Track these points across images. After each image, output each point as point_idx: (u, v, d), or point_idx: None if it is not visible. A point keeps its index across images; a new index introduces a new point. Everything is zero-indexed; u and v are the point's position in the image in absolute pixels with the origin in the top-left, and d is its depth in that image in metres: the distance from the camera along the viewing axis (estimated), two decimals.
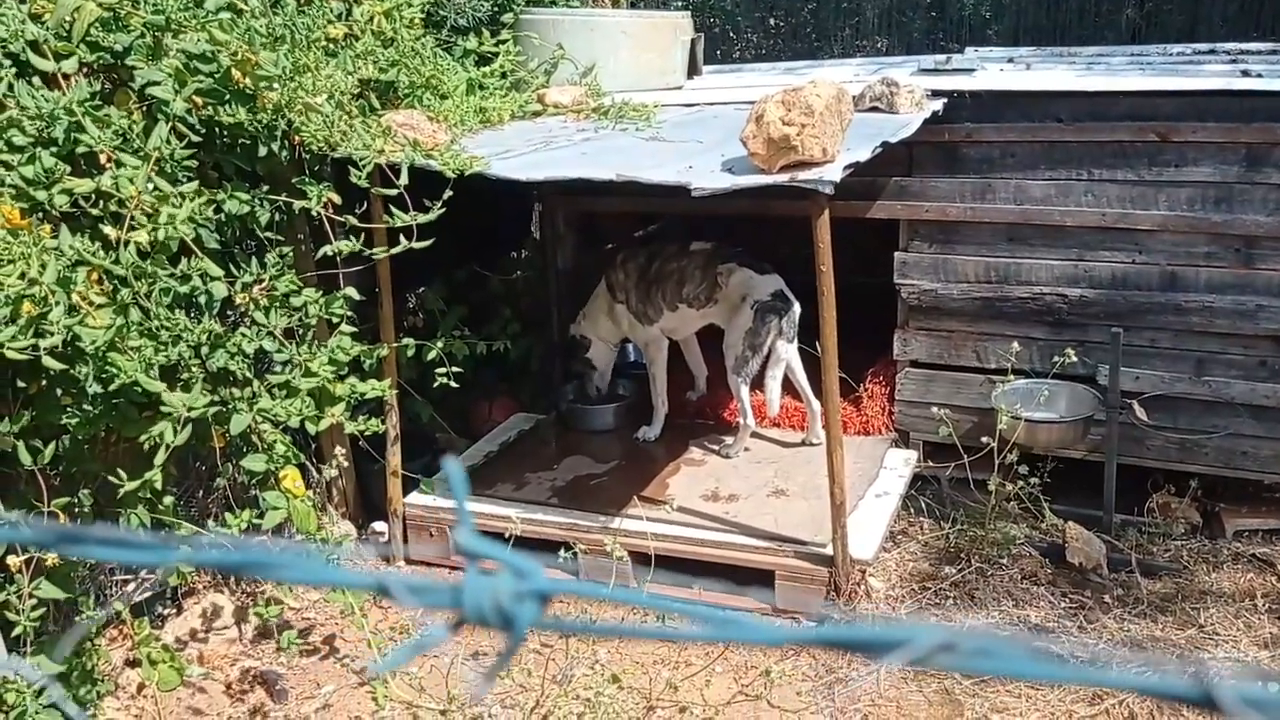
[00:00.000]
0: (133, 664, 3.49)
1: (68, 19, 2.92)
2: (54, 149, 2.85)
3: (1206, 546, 4.16)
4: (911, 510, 4.47)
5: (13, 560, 2.69)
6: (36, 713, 2.82)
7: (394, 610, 4.06)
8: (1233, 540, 4.18)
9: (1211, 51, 5.06)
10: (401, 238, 3.35)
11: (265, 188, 3.50)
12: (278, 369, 3.50)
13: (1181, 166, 3.99)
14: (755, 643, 0.48)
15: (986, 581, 3.96)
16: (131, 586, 3.82)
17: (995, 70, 4.63)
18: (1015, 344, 4.25)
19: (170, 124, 2.98)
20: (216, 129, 3.33)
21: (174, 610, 3.85)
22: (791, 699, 3.44)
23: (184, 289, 3.09)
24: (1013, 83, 4.30)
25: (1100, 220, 4.14)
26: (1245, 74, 4.13)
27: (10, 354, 2.52)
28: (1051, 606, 3.81)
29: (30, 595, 2.76)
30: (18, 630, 2.74)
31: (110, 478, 2.99)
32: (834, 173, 3.19)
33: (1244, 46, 5.18)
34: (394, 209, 3.34)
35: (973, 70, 4.54)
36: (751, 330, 4.44)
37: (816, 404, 4.58)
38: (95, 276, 2.82)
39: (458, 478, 0.58)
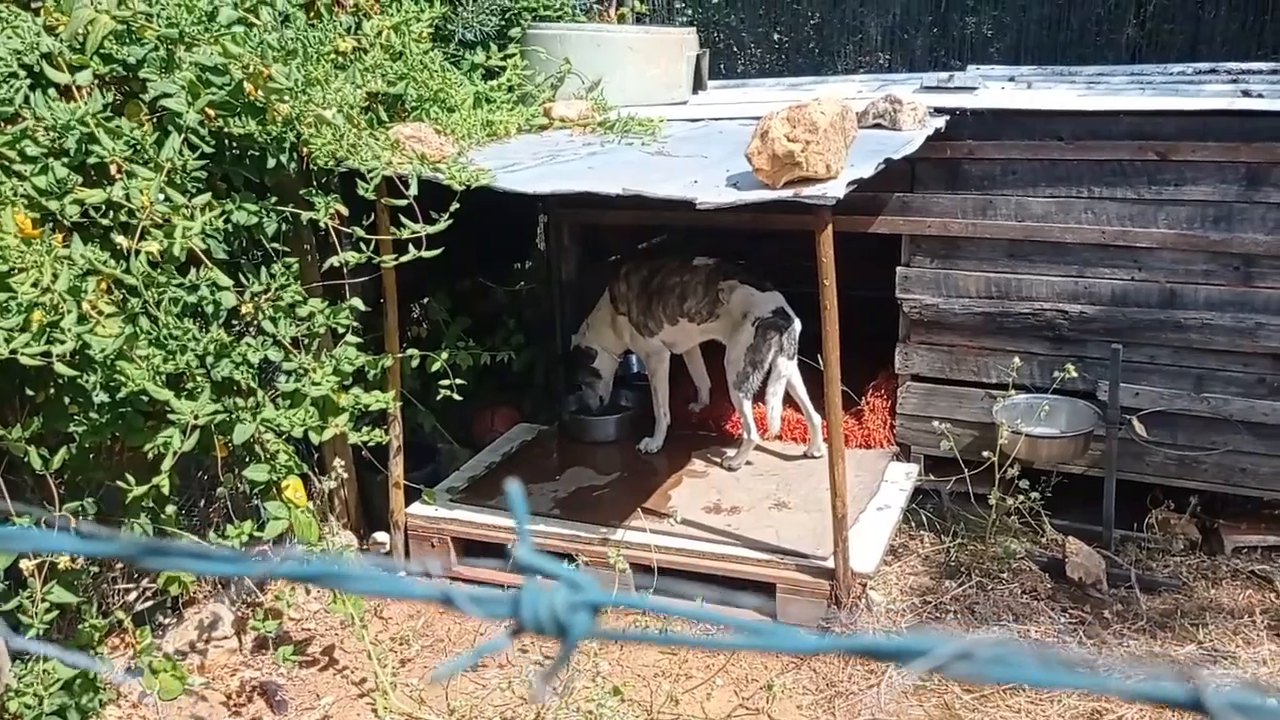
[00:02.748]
0: (134, 673, 3.50)
1: (81, 31, 2.95)
2: (66, 160, 2.88)
3: (1206, 563, 4.18)
4: (912, 524, 4.48)
5: (25, 564, 2.71)
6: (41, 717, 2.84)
7: (394, 621, 4.08)
8: (1232, 557, 4.19)
9: (1212, 71, 5.10)
10: (411, 247, 3.38)
11: (273, 199, 3.52)
12: (282, 379, 3.52)
13: (1181, 185, 4.03)
14: (788, 651, 0.50)
15: (987, 596, 3.97)
16: (133, 595, 3.83)
17: (997, 88, 4.67)
18: (1016, 359, 4.27)
19: (183, 136, 3.01)
20: (226, 140, 3.36)
21: (174, 620, 3.86)
22: (792, 713, 3.45)
23: (192, 299, 3.12)
24: (1014, 101, 4.33)
25: (1100, 237, 4.17)
26: (1246, 94, 4.16)
27: (24, 359, 2.55)
28: (1052, 622, 3.82)
29: (43, 599, 2.78)
30: (31, 633, 2.76)
31: (119, 483, 3.01)
32: (838, 189, 3.22)
33: (1245, 66, 5.21)
34: (403, 220, 3.37)
35: (975, 88, 4.58)
36: (753, 347, 4.47)
37: (817, 418, 4.60)
38: (105, 285, 2.85)
39: (518, 497, 0.60)
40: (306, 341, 3.52)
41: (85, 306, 2.72)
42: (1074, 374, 4.14)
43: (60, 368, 2.67)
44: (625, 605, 0.61)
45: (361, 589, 0.57)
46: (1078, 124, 4.12)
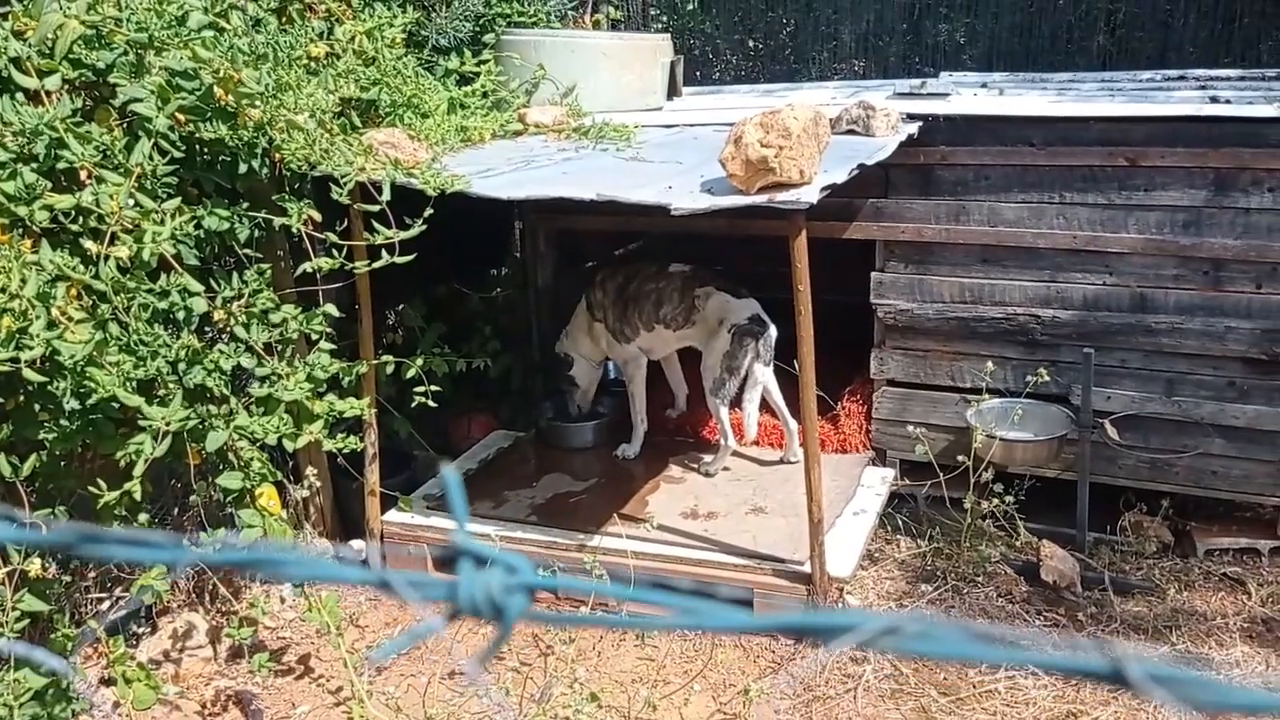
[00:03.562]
0: (108, 682, 3.47)
1: (50, 36, 2.92)
2: (35, 165, 2.85)
3: (1178, 565, 4.21)
4: (889, 528, 4.50)
5: None
6: None
7: (370, 630, 4.05)
8: (1204, 559, 4.23)
9: (1181, 78, 5.16)
10: (384, 253, 3.36)
11: (245, 204, 3.50)
12: (255, 385, 3.50)
13: (1151, 190, 4.07)
14: (718, 629, 0.51)
15: (963, 600, 3.99)
16: (107, 604, 3.79)
17: (969, 95, 4.70)
18: (990, 364, 4.30)
19: (152, 141, 2.99)
20: (197, 145, 3.34)
21: (149, 629, 3.83)
22: (770, 717, 3.45)
23: (163, 304, 3.10)
24: (986, 107, 4.37)
25: (1071, 242, 4.20)
26: (1214, 100, 4.21)
27: None
28: (1026, 625, 3.84)
29: (14, 607, 2.75)
30: (0, 642, 2.73)
31: (90, 489, 2.98)
32: (811, 194, 3.23)
33: (1213, 72, 5.28)
34: (376, 225, 3.36)
35: (947, 94, 4.61)
36: (729, 353, 4.47)
37: (794, 423, 4.61)
38: (75, 292, 2.82)
39: (454, 483, 0.60)
40: (280, 348, 3.50)
41: (54, 312, 2.69)
42: (1047, 378, 4.17)
43: (29, 374, 2.65)
44: (559, 588, 0.61)
45: (298, 574, 0.57)
46: (1049, 130, 4.16)
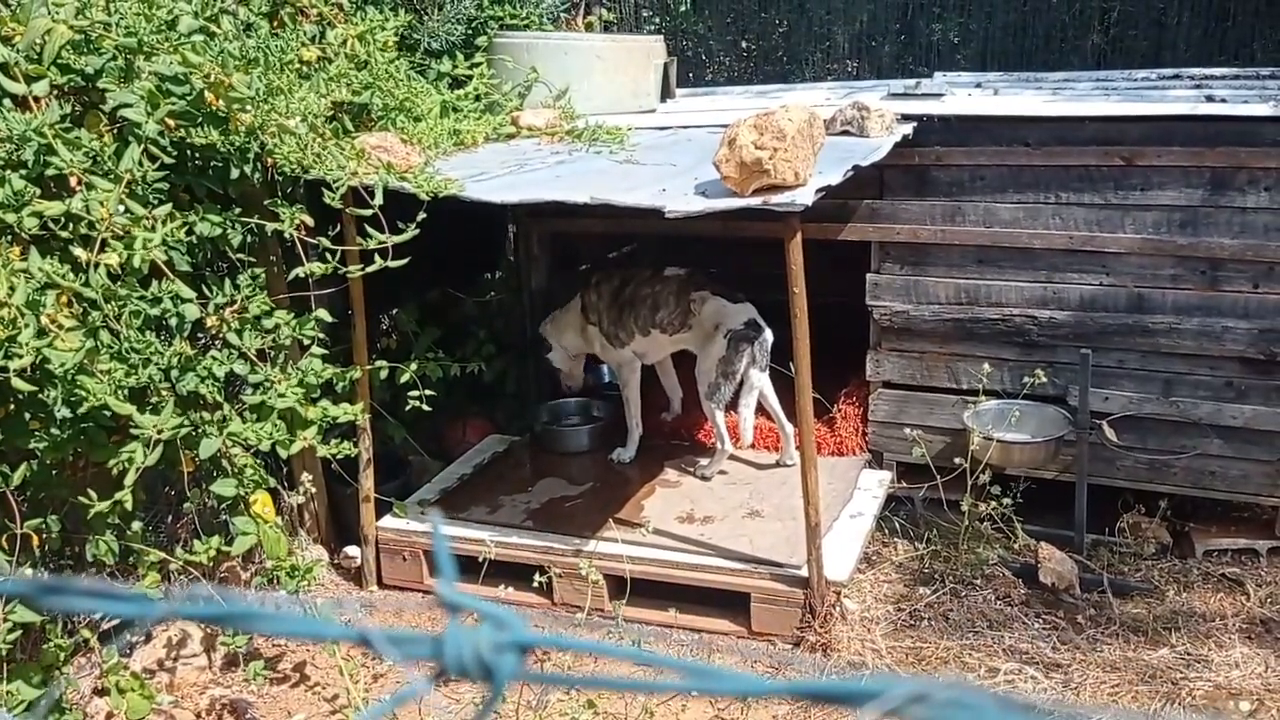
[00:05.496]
0: (101, 692, 3.44)
1: (38, 41, 2.90)
2: (23, 171, 2.82)
3: (1177, 566, 4.20)
4: (886, 531, 4.48)
5: None
6: None
7: None
8: (1202, 560, 4.21)
9: (1176, 76, 5.15)
10: (377, 257, 3.34)
11: (237, 210, 3.48)
12: (249, 392, 3.48)
13: (1147, 190, 4.05)
14: (735, 694, 0.49)
15: (961, 602, 3.97)
16: (99, 613, 3.76)
17: (964, 95, 4.69)
18: (986, 365, 4.29)
19: (142, 146, 2.96)
20: (188, 151, 3.32)
21: (142, 638, 3.80)
22: None
23: (155, 311, 3.07)
24: (981, 107, 4.36)
25: (1068, 243, 4.19)
26: (1209, 99, 4.20)
27: None
28: (1025, 627, 3.83)
29: (5, 619, 2.72)
30: None
31: (80, 499, 2.95)
32: (806, 196, 3.21)
33: (1208, 71, 5.27)
34: (369, 230, 3.34)
35: (942, 95, 4.60)
36: (725, 358, 4.45)
37: (790, 427, 4.59)
38: (65, 299, 2.80)
39: (440, 538, 0.58)
40: (273, 354, 3.48)
41: (44, 320, 2.66)
42: (1044, 379, 4.16)
43: (19, 383, 2.62)
44: (555, 646, 0.59)
45: (273, 629, 0.54)
46: (1044, 130, 4.14)
